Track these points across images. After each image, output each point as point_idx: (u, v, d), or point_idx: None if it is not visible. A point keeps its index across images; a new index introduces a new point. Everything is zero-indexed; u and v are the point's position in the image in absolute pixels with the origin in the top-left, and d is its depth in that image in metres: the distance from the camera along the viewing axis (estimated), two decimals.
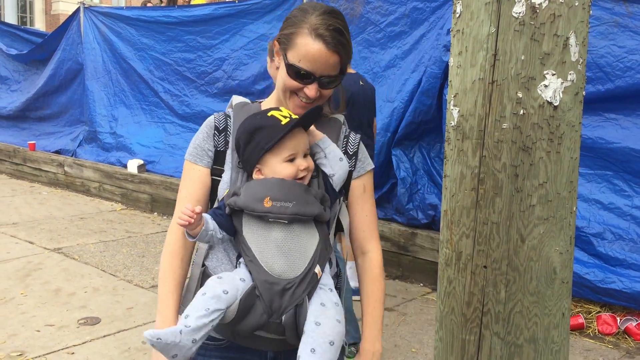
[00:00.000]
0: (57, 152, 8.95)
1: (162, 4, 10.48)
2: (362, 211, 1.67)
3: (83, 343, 3.50)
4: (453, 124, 1.64)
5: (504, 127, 1.54)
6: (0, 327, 3.66)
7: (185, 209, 1.37)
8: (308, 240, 1.44)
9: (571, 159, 1.58)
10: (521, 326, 1.60)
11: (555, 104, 1.52)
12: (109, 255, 5.25)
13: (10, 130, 10.19)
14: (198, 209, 1.38)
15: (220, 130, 1.62)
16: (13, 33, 10.63)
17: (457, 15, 1.64)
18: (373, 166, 1.73)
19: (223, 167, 1.59)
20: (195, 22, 7.01)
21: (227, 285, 1.37)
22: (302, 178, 1.47)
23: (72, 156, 8.62)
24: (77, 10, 8.78)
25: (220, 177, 1.60)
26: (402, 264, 4.88)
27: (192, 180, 1.61)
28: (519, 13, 1.49)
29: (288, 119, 1.46)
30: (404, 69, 5.08)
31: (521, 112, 1.52)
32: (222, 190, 1.57)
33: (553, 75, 1.52)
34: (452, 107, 1.65)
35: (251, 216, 1.43)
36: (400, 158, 4.98)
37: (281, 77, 1.55)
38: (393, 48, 5.21)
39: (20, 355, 3.30)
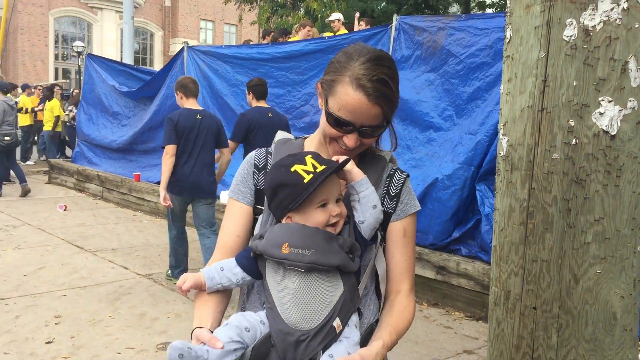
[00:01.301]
0: (159, 183, 9.43)
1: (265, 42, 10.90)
2: (400, 256, 1.56)
3: None
4: (502, 154, 1.55)
5: (555, 157, 1.44)
6: (85, 348, 3.85)
7: (177, 285, 1.42)
8: (329, 291, 1.36)
9: (633, 193, 1.44)
10: None
11: (613, 133, 1.40)
12: None
13: (119, 162, 10.89)
14: (179, 283, 1.41)
15: (259, 168, 1.59)
16: (127, 72, 11.45)
17: (507, 40, 1.57)
18: (418, 208, 1.62)
19: (263, 206, 1.55)
20: (286, 58, 7.23)
21: (249, 323, 1.35)
22: (334, 225, 1.41)
23: None
24: (182, 49, 9.33)
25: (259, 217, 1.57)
26: (485, 305, 4.65)
27: (234, 216, 1.59)
28: (571, 37, 1.40)
29: (312, 175, 1.38)
30: (488, 101, 4.94)
31: (573, 141, 1.41)
32: (257, 231, 1.55)
33: (609, 102, 1.41)
34: (501, 137, 1.57)
35: (272, 262, 1.38)
36: (484, 193, 4.81)
37: (322, 122, 1.51)
38: (475, 80, 5.09)
39: None
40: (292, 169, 1.39)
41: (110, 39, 37.15)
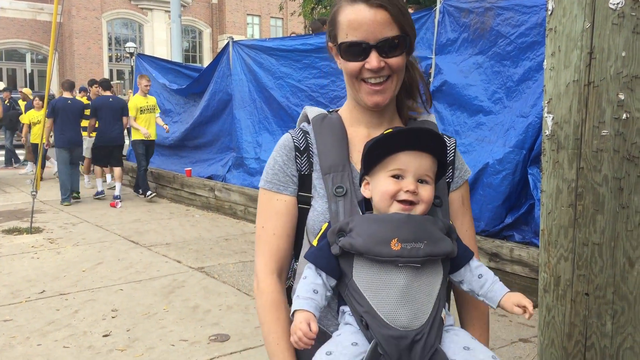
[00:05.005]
0: (210, 177, 9.57)
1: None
2: (462, 226, 1.47)
3: (211, 359, 3.65)
4: (547, 133, 1.48)
5: (604, 134, 1.36)
6: (140, 340, 3.94)
7: (302, 334, 1.17)
8: (433, 281, 1.25)
9: None
10: None
11: None
12: (246, 275, 5.47)
13: (171, 159, 11.11)
14: (314, 329, 1.18)
15: (301, 151, 1.43)
16: (176, 70, 11.65)
17: (550, 12, 1.49)
18: (470, 172, 1.55)
19: (310, 193, 1.40)
20: None
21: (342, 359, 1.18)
22: (404, 202, 1.25)
23: (222, 181, 9.17)
24: (227, 45, 9.40)
25: (307, 205, 1.41)
26: None
27: (278, 213, 1.41)
28: (617, 4, 1.31)
29: (390, 130, 1.29)
30: (539, 81, 4.75)
31: (624, 116, 1.33)
32: (317, 222, 1.37)
33: None
34: (546, 115, 1.49)
35: (367, 259, 1.22)
36: (537, 177, 4.65)
37: (344, 70, 1.40)
38: (526, 60, 4.91)
39: None
40: (384, 133, 1.30)
41: (160, 39, 37.93)
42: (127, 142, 13.11)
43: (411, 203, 1.26)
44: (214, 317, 4.36)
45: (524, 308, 1.24)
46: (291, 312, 1.25)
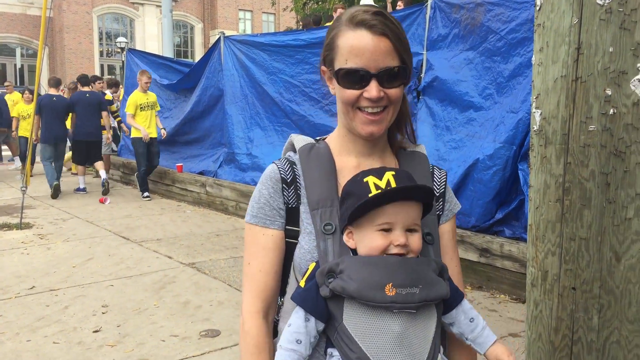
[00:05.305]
0: (201, 173, 9.55)
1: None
2: (451, 262, 1.42)
3: (202, 354, 3.65)
4: (535, 128, 1.48)
5: (591, 129, 1.37)
6: (131, 336, 3.93)
7: None
8: (428, 325, 1.21)
9: None
10: (619, 359, 1.39)
11: None
12: (237, 270, 5.47)
13: (163, 154, 11.04)
14: None
15: (288, 183, 1.36)
16: (167, 65, 11.59)
17: (538, 8, 1.49)
18: (460, 206, 1.50)
19: (298, 226, 1.34)
20: (321, 43, 7.15)
21: None
22: (397, 255, 1.21)
23: (213, 177, 9.14)
24: (218, 40, 9.37)
25: (295, 239, 1.34)
26: None
27: (265, 249, 1.35)
28: (605, 0, 1.32)
29: (379, 191, 1.20)
30: (529, 77, 4.77)
31: (611, 111, 1.34)
32: (304, 260, 1.30)
33: None
34: (534, 110, 1.50)
35: (359, 303, 1.17)
36: (527, 173, 4.66)
37: (339, 97, 1.33)
38: (516, 56, 4.93)
39: None
40: (365, 179, 1.23)
41: (152, 34, 37.75)
42: (117, 136, 13.07)
43: (401, 255, 1.22)
44: (204, 313, 4.36)
45: None
46: None
